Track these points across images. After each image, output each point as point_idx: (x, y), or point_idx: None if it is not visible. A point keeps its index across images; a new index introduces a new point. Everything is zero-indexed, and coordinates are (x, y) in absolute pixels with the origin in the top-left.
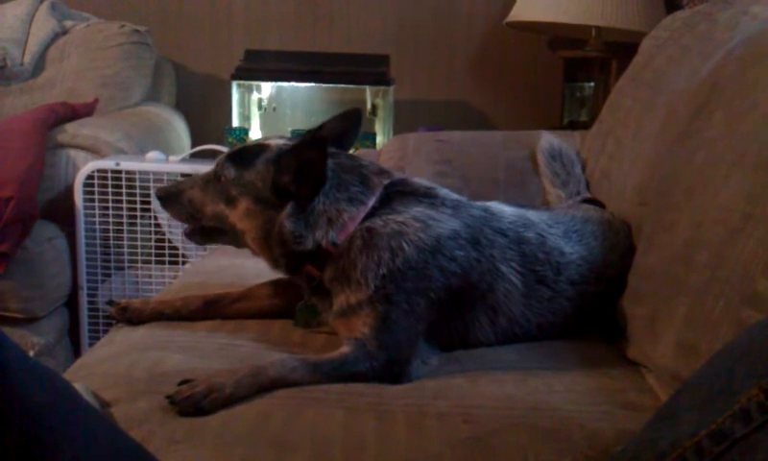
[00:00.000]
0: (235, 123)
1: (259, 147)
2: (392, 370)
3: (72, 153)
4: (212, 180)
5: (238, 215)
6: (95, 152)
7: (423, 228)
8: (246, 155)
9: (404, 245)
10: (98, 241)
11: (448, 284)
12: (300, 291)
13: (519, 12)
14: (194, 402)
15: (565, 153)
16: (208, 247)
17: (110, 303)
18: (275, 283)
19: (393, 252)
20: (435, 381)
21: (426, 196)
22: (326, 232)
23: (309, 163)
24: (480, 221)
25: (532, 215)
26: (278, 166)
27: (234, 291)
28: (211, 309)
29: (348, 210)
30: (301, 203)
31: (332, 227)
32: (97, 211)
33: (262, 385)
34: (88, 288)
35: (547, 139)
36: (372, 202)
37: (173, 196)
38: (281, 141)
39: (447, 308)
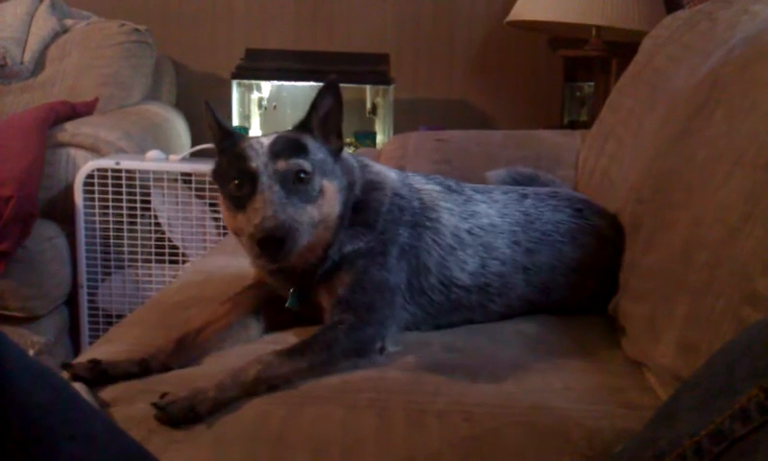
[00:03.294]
0: (235, 122)
1: (291, 136)
2: (365, 331)
3: (72, 152)
4: (290, 187)
5: (326, 205)
6: (95, 151)
7: (386, 183)
8: (292, 145)
9: (385, 194)
10: (98, 240)
11: (408, 224)
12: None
13: (520, 12)
14: (181, 407)
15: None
16: (208, 245)
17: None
18: (232, 298)
19: (381, 199)
20: (434, 377)
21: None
22: (357, 179)
23: (338, 109)
24: (402, 175)
25: None
26: (326, 129)
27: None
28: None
29: (354, 160)
30: (340, 153)
31: (354, 175)
32: (97, 210)
33: (245, 385)
34: (88, 287)
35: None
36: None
37: (285, 229)
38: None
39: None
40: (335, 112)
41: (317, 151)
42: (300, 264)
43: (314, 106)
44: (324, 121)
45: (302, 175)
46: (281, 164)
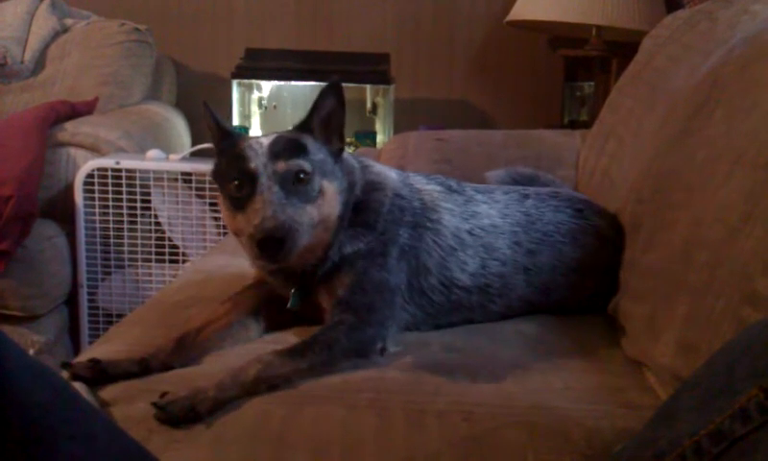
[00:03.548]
0: (235, 121)
1: (289, 135)
2: (365, 331)
3: (72, 151)
4: (290, 188)
5: (326, 205)
6: (95, 150)
7: (387, 184)
8: (292, 145)
9: (386, 195)
10: (98, 239)
11: (409, 225)
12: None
13: (520, 11)
14: (181, 407)
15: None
16: (208, 245)
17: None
18: (233, 298)
19: (381, 200)
20: (435, 377)
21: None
22: (357, 180)
23: (340, 110)
24: (402, 176)
25: None
26: (328, 130)
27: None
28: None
29: (355, 161)
30: (340, 154)
31: (355, 176)
32: (97, 210)
33: (245, 385)
34: (88, 287)
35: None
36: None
37: (285, 230)
38: (281, 131)
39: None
40: (337, 113)
41: (317, 151)
42: (299, 265)
43: (315, 106)
44: (325, 122)
45: (302, 175)
46: (281, 165)
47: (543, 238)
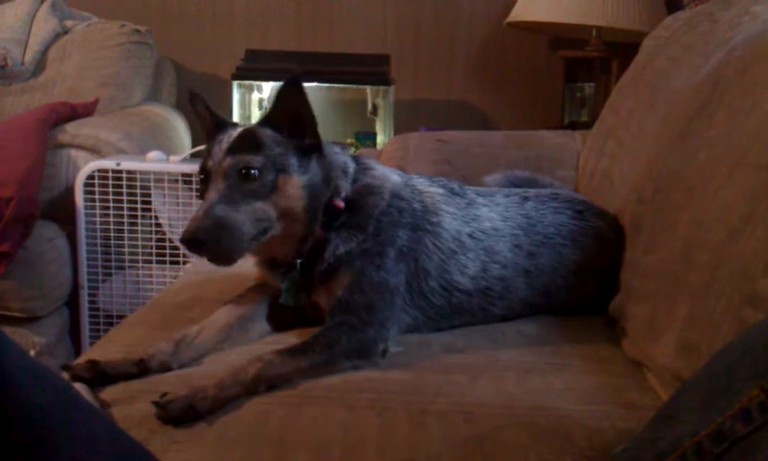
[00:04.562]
0: None
1: (247, 129)
2: (366, 332)
3: (73, 152)
4: (234, 184)
5: (283, 199)
6: (96, 152)
7: (385, 186)
8: (247, 140)
9: (382, 198)
10: (99, 241)
11: (408, 226)
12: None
13: (520, 13)
14: (181, 406)
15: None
16: None
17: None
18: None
19: (376, 202)
20: (436, 377)
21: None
22: (345, 180)
23: (306, 105)
24: (405, 178)
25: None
26: (297, 126)
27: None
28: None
29: (350, 162)
30: (319, 149)
31: (347, 176)
32: (98, 211)
33: (245, 383)
34: (89, 288)
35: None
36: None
37: (211, 230)
38: (242, 124)
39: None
40: (304, 109)
41: (275, 146)
42: (280, 256)
43: (278, 100)
44: (292, 117)
45: (252, 171)
46: (228, 160)
47: (544, 240)
